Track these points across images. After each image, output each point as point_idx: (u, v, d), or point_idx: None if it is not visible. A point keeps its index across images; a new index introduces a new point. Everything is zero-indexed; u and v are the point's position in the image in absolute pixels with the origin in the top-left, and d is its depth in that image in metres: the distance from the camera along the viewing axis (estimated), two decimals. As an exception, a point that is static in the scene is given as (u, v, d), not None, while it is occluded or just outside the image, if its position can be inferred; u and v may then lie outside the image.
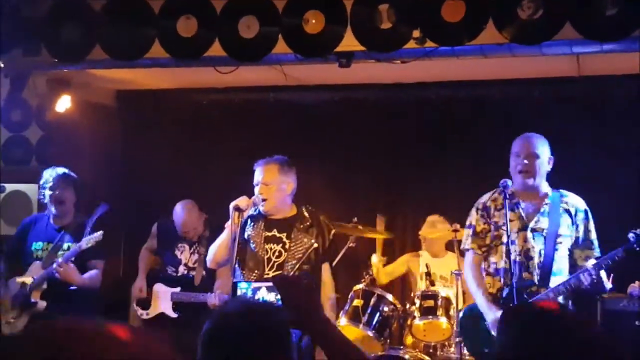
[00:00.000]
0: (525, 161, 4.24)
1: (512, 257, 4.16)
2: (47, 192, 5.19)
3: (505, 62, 5.20)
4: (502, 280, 4.27)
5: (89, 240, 4.98)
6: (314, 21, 4.69)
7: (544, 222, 4.26)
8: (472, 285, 4.37)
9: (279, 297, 2.20)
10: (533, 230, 4.24)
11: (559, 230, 4.25)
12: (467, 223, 4.51)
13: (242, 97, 6.75)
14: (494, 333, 4.09)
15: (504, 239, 4.24)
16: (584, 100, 5.85)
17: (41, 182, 5.24)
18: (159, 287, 5.67)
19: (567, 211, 4.29)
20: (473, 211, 4.47)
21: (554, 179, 4.36)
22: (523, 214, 4.27)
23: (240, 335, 1.95)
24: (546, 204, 4.28)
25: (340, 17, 4.64)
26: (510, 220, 4.23)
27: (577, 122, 5.81)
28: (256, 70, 5.57)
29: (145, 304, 5.73)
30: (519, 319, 1.85)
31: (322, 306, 2.63)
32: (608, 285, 4.14)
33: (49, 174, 5.21)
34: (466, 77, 6.12)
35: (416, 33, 4.54)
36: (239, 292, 4.29)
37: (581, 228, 4.29)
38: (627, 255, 4.02)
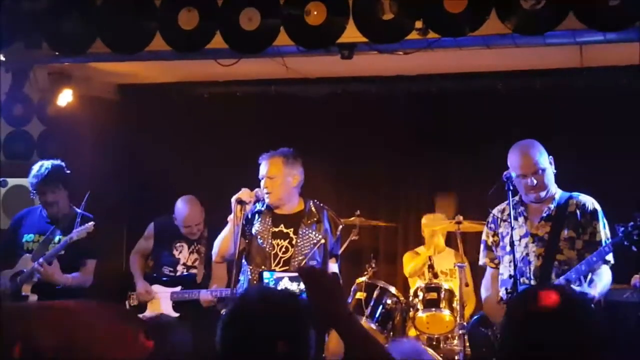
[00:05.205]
0: (534, 180, 4.09)
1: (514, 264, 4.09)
2: (36, 195, 5.08)
3: (508, 53, 5.18)
4: (507, 289, 4.17)
5: (80, 231, 4.83)
6: (315, 13, 4.66)
7: (546, 227, 4.15)
8: (492, 299, 4.30)
9: (301, 287, 2.22)
10: (534, 235, 4.14)
11: (562, 234, 4.11)
12: (482, 239, 4.46)
13: (244, 90, 6.73)
14: None
15: (508, 249, 4.15)
16: (587, 90, 5.82)
17: (29, 179, 5.07)
18: (156, 289, 5.47)
19: (574, 213, 4.14)
20: (485, 226, 4.40)
21: (558, 174, 4.30)
22: (526, 221, 4.19)
23: (258, 319, 2.00)
24: (549, 207, 4.16)
25: (342, 9, 4.61)
26: (514, 229, 4.13)
27: (580, 112, 5.80)
28: (258, 62, 5.55)
29: (140, 307, 5.49)
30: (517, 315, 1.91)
31: (346, 298, 2.64)
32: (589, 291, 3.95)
33: (34, 176, 5.01)
34: (469, 68, 6.09)
35: (418, 24, 4.52)
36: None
37: (589, 230, 4.11)
38: (614, 248, 3.94)
